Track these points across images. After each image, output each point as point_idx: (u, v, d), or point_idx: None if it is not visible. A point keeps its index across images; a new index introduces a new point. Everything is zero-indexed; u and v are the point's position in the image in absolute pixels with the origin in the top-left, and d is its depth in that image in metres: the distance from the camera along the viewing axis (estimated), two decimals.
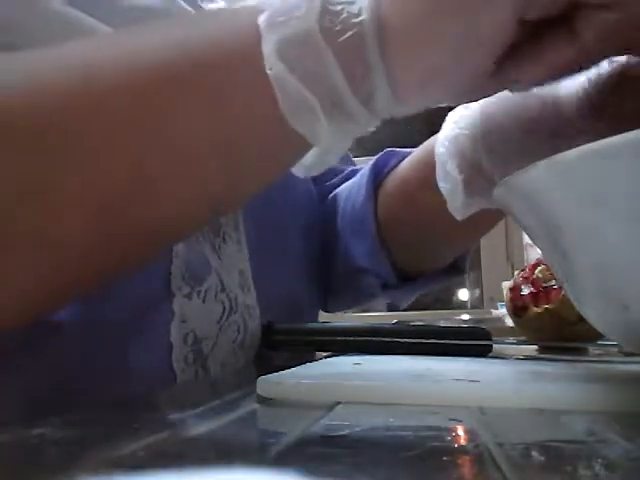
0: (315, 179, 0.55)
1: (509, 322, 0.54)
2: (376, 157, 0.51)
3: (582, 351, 0.44)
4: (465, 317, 1.51)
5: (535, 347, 0.47)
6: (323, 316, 0.60)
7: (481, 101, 0.37)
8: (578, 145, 0.21)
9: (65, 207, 0.25)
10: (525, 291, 0.47)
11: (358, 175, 0.53)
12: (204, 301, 0.37)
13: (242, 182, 0.30)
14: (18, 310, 0.27)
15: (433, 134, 0.42)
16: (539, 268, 0.48)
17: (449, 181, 0.38)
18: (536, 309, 0.46)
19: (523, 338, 0.49)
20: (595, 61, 0.29)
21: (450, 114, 0.40)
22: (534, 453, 0.16)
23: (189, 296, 0.36)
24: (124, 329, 0.34)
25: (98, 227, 0.26)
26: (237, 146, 0.27)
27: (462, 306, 2.27)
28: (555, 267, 0.26)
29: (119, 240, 0.27)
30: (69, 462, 0.16)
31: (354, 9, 0.25)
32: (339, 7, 0.25)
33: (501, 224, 0.52)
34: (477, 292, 2.19)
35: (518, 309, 0.48)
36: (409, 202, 0.47)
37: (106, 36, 0.30)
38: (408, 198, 0.47)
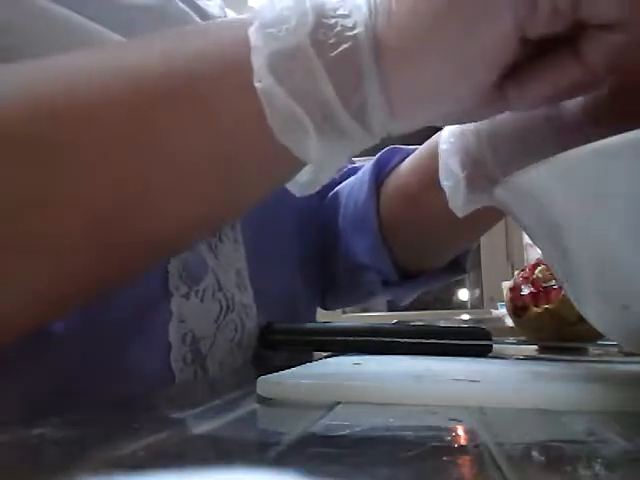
0: None
1: (509, 322, 0.54)
2: (379, 154, 0.51)
3: (582, 351, 0.44)
4: (465, 317, 1.51)
5: (535, 347, 0.47)
6: (322, 316, 0.60)
7: None
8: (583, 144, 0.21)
9: (61, 221, 0.25)
10: (525, 291, 0.47)
11: (360, 172, 0.53)
12: (202, 300, 0.37)
13: (239, 197, 0.29)
14: (19, 322, 0.27)
15: (435, 132, 0.42)
16: (539, 268, 0.48)
17: (451, 178, 0.38)
18: (536, 309, 0.46)
19: (523, 338, 0.49)
20: (600, 83, 0.28)
21: None
22: (534, 453, 0.16)
23: (187, 296, 0.36)
24: (123, 329, 0.34)
25: (96, 241, 0.26)
26: (233, 161, 0.27)
27: (462, 306, 2.28)
28: (555, 267, 0.26)
29: (118, 253, 0.27)
30: (69, 462, 0.16)
31: (349, 22, 0.25)
32: (333, 20, 0.25)
33: (501, 224, 0.52)
34: (477, 292, 2.19)
35: (518, 309, 0.48)
36: (411, 201, 0.47)
37: (100, 48, 0.30)
38: (410, 197, 0.47)
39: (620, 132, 0.20)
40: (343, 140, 0.26)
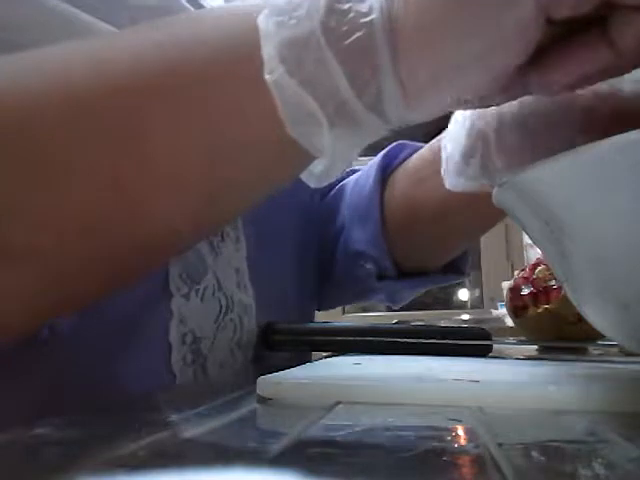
0: None
1: (509, 322, 0.54)
2: (387, 148, 0.51)
3: (582, 351, 0.44)
4: (465, 317, 1.51)
5: (535, 347, 0.47)
6: (322, 316, 0.60)
7: None
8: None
9: (44, 225, 0.25)
10: (525, 291, 0.47)
11: (367, 166, 0.52)
12: (202, 300, 0.37)
13: (229, 199, 0.28)
14: (8, 329, 0.27)
15: (441, 132, 0.42)
16: (539, 268, 0.48)
17: (451, 149, 0.37)
18: (536, 309, 0.46)
19: (523, 338, 0.49)
20: (627, 69, 0.26)
21: None
22: (534, 453, 0.16)
23: (187, 296, 0.36)
24: (123, 330, 0.34)
25: (81, 244, 0.26)
26: (227, 163, 0.26)
27: (462, 306, 2.27)
28: (555, 267, 0.26)
29: (108, 256, 0.27)
30: (69, 462, 0.16)
31: (363, 7, 0.23)
32: (347, 5, 0.24)
33: (501, 224, 0.52)
34: (477, 292, 2.19)
35: (518, 309, 0.48)
36: (415, 196, 0.47)
37: (92, 40, 0.29)
38: (414, 194, 0.47)
39: (620, 132, 0.20)
40: (357, 130, 0.25)
